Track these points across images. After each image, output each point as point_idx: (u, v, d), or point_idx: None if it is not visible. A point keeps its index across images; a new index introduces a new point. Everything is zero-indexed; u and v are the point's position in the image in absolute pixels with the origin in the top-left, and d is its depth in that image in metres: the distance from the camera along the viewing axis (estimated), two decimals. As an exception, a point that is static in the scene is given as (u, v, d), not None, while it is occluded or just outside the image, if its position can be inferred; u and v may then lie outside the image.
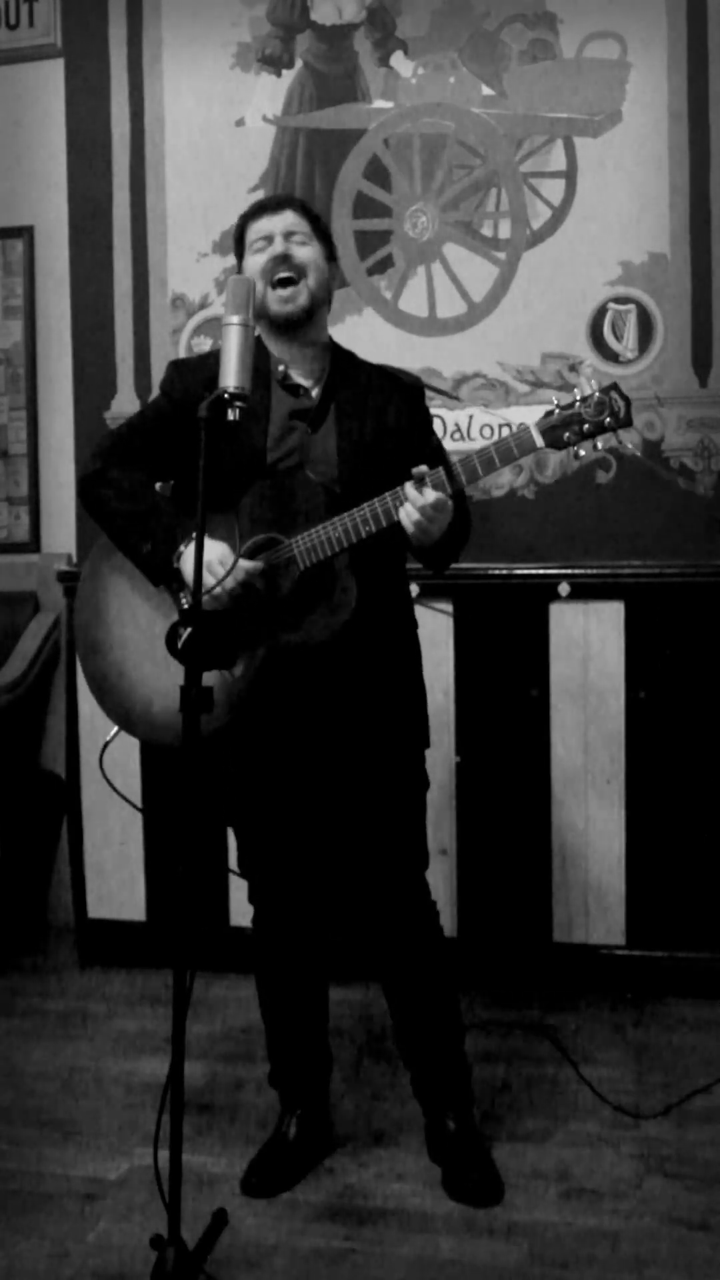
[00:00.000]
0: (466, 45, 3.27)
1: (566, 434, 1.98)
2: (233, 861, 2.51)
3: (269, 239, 2.17)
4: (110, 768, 2.45)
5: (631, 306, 3.20)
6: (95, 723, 3.32)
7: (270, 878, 2.33)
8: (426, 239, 3.33)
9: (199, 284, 3.47)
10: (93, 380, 3.53)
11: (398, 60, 3.31)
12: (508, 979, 3.19)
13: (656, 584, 3.12)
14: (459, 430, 3.29)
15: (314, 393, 2.20)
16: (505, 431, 3.23)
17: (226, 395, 1.88)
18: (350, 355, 2.28)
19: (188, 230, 3.46)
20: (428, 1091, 2.35)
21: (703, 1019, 2.99)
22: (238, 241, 2.25)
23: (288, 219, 2.18)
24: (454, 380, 3.31)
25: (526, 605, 3.18)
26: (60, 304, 3.65)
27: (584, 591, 3.15)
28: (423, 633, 2.35)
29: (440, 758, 3.06)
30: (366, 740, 2.20)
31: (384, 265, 3.36)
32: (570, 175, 3.24)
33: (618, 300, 3.21)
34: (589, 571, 3.15)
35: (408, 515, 1.99)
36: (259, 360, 2.17)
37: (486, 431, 3.28)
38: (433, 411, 2.40)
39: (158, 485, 2.25)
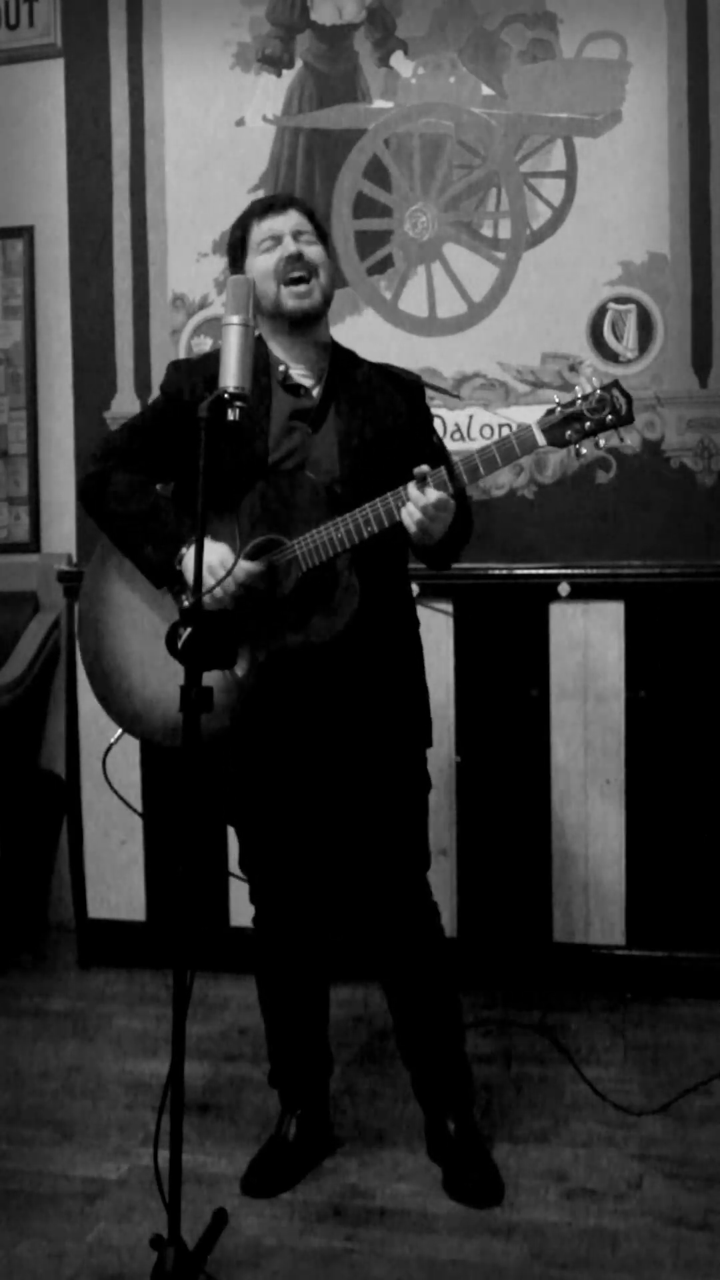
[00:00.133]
0: (466, 45, 3.27)
1: (568, 432, 1.98)
2: (233, 861, 2.52)
3: (277, 239, 2.16)
4: (111, 769, 2.45)
5: (631, 306, 3.20)
6: (95, 723, 3.33)
7: (271, 877, 2.33)
8: (426, 239, 3.33)
9: (199, 284, 3.47)
10: (93, 380, 3.53)
11: (398, 60, 3.31)
12: (508, 979, 3.19)
13: (656, 584, 3.12)
14: (459, 430, 3.29)
15: (315, 392, 2.20)
16: (506, 431, 3.24)
17: (226, 395, 1.87)
18: (351, 354, 2.28)
19: (188, 230, 3.46)
20: (428, 1092, 2.35)
21: (703, 1019, 2.99)
22: (239, 243, 2.23)
23: (294, 218, 2.18)
24: (454, 380, 3.31)
25: (526, 605, 3.18)
26: (60, 304, 3.65)
27: (584, 591, 3.15)
28: (423, 633, 2.35)
29: (440, 758, 3.05)
30: (368, 740, 2.20)
31: (384, 265, 3.36)
32: (570, 175, 3.24)
33: (618, 300, 3.21)
34: (589, 571, 3.15)
35: (410, 515, 1.99)
36: (260, 361, 2.18)
37: (486, 431, 3.29)
38: (433, 411, 2.40)
39: (158, 486, 2.25)
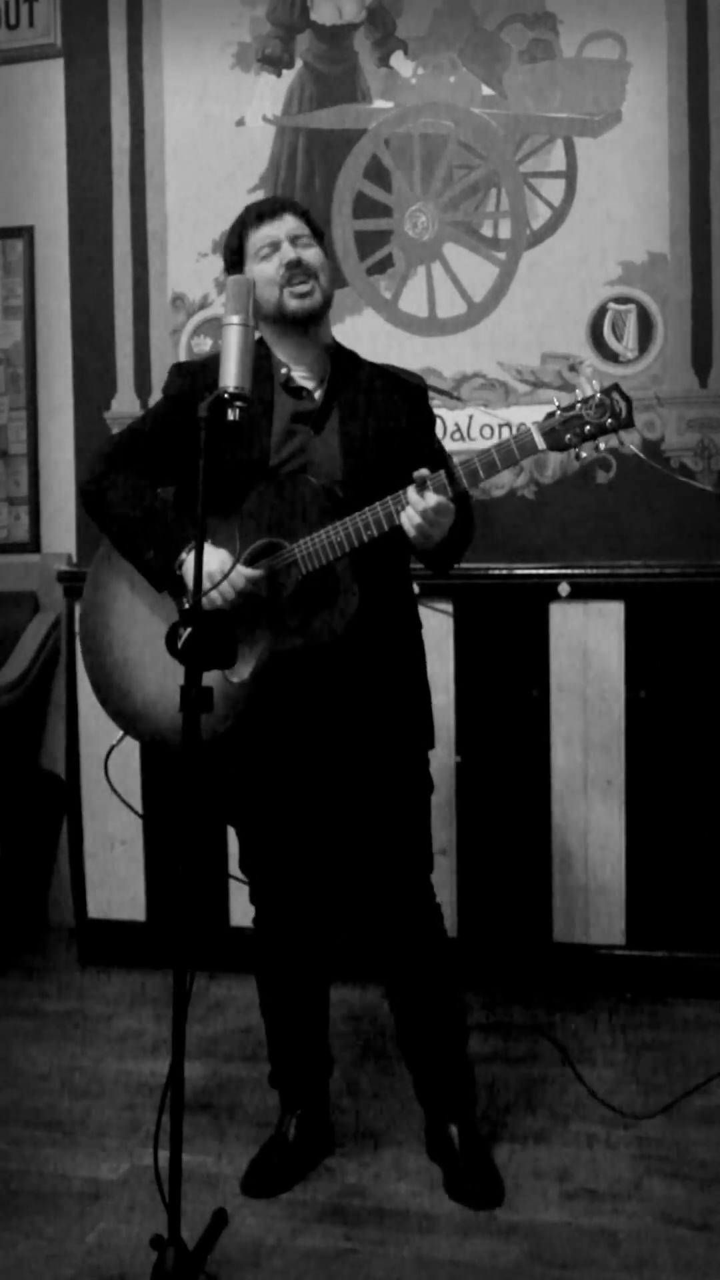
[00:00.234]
0: (466, 45, 3.27)
1: (568, 435, 1.97)
2: (233, 862, 2.52)
3: (275, 245, 2.16)
4: (111, 770, 2.45)
5: (631, 306, 3.20)
6: (96, 723, 3.33)
7: (271, 878, 2.33)
8: (426, 239, 3.33)
9: (199, 284, 3.47)
10: (93, 380, 3.53)
11: (398, 60, 3.31)
12: (508, 979, 3.19)
13: (656, 584, 3.12)
14: (459, 430, 3.29)
15: (317, 395, 2.20)
16: (505, 432, 3.24)
17: (226, 395, 1.87)
18: (353, 356, 2.28)
19: (188, 230, 3.46)
20: (430, 1093, 2.35)
21: (702, 1019, 2.99)
22: (236, 250, 2.23)
23: (289, 223, 2.18)
24: (454, 380, 3.31)
25: (526, 605, 3.18)
26: (60, 304, 3.65)
27: (584, 591, 3.15)
28: (423, 633, 2.35)
29: (440, 758, 3.05)
30: (371, 742, 2.20)
31: (384, 265, 3.36)
32: (570, 175, 3.24)
33: (618, 300, 3.21)
34: (589, 571, 3.15)
35: (410, 519, 1.99)
36: (262, 363, 2.18)
37: (486, 432, 3.29)
38: (434, 412, 2.39)
39: (159, 490, 2.25)
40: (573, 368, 3.24)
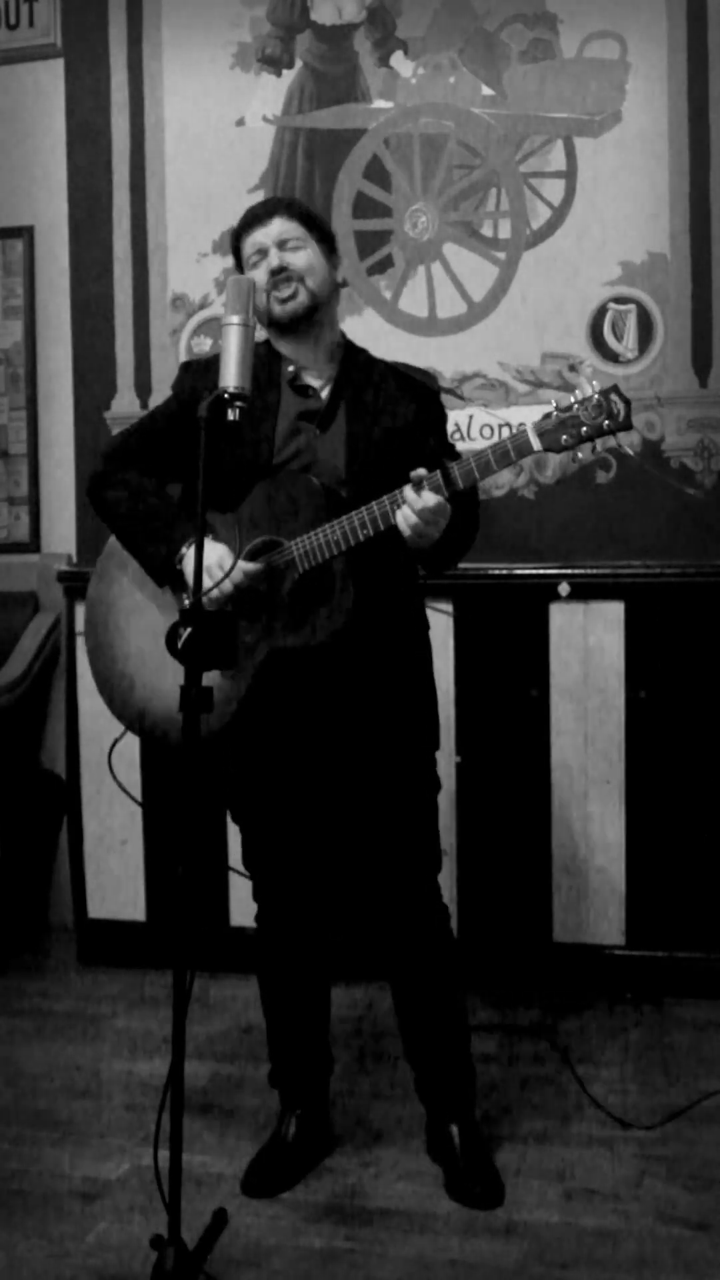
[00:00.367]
0: (466, 45, 3.27)
1: (564, 436, 1.94)
2: (233, 855, 2.51)
3: (263, 251, 2.17)
4: (113, 765, 2.45)
5: (631, 306, 3.20)
6: (96, 723, 3.33)
7: (274, 875, 2.33)
8: (426, 239, 3.33)
9: (199, 284, 3.47)
10: (93, 380, 3.53)
11: (398, 60, 3.31)
12: (508, 979, 3.19)
13: (656, 584, 3.12)
14: (459, 430, 3.29)
15: (324, 394, 2.20)
16: (505, 432, 3.24)
17: (226, 395, 1.87)
18: (364, 354, 2.28)
19: (188, 230, 3.46)
20: (432, 1093, 2.34)
21: (703, 1019, 2.99)
22: (236, 254, 2.25)
23: (277, 228, 2.17)
24: (454, 380, 3.31)
25: (526, 605, 3.18)
26: (60, 304, 3.65)
27: (584, 591, 3.15)
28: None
29: (441, 758, 3.05)
30: (377, 742, 2.19)
31: (384, 265, 3.36)
32: (570, 175, 3.24)
33: (618, 300, 3.21)
34: (589, 571, 3.15)
35: (404, 519, 1.98)
36: (271, 362, 2.19)
37: (486, 431, 3.29)
38: (445, 410, 2.37)
39: (167, 487, 2.26)
40: (573, 368, 3.24)
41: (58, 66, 3.58)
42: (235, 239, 2.24)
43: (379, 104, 3.34)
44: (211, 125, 3.43)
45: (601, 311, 3.22)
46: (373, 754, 2.20)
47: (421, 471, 1.97)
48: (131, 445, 2.27)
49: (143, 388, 3.50)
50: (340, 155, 3.36)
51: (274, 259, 2.16)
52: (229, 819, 2.61)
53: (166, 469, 2.24)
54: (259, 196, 3.33)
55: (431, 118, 3.30)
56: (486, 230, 3.30)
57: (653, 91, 3.16)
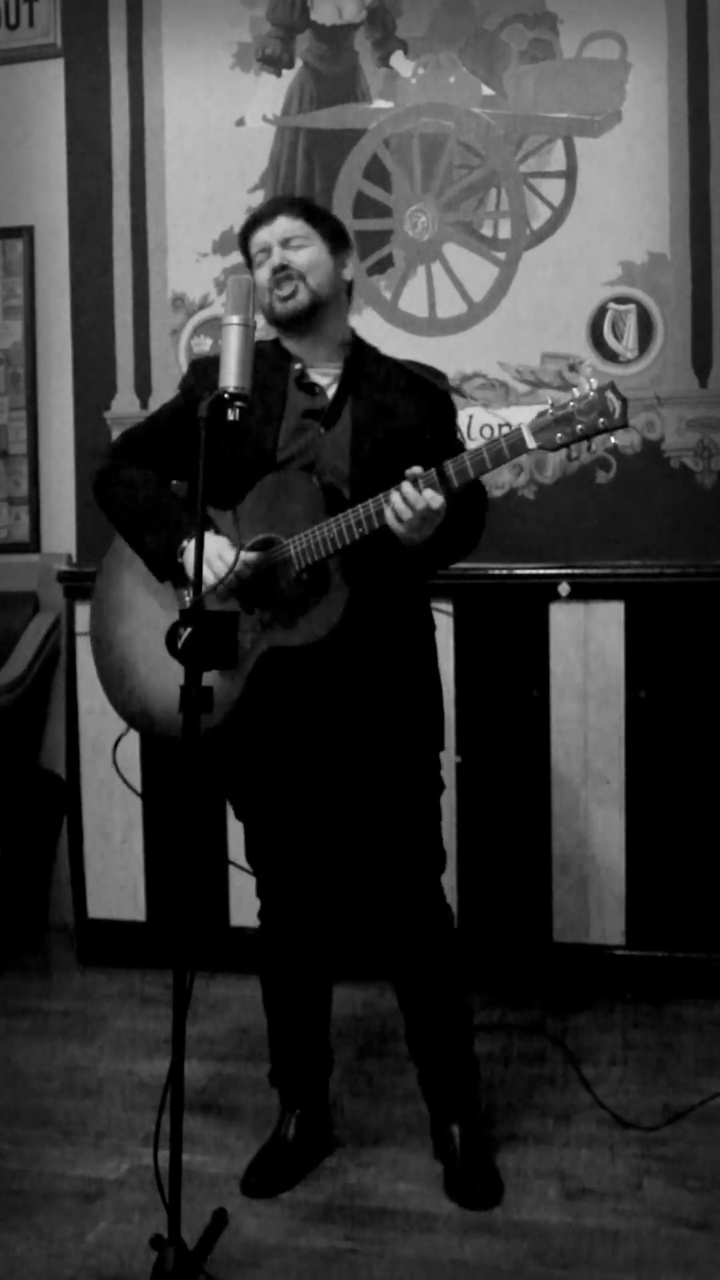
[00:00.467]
0: (466, 45, 3.27)
1: (559, 435, 1.93)
2: (233, 850, 2.51)
3: (267, 250, 2.19)
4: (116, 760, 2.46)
5: (631, 306, 3.20)
6: (96, 723, 3.33)
7: (277, 872, 2.33)
8: (426, 239, 3.33)
9: (199, 284, 3.47)
10: (93, 380, 3.53)
11: (398, 60, 3.31)
12: (508, 979, 3.19)
13: (656, 584, 3.12)
14: (459, 430, 3.28)
15: (329, 392, 2.20)
16: (504, 432, 3.23)
17: (226, 395, 1.88)
18: (373, 352, 2.27)
19: (188, 230, 3.46)
20: (434, 1093, 2.34)
21: (703, 1019, 2.99)
22: (244, 254, 2.27)
23: (280, 226, 2.18)
24: (454, 380, 3.30)
25: (526, 605, 3.18)
26: (60, 304, 3.65)
27: (584, 591, 3.15)
28: (427, 633, 2.35)
29: (443, 758, 3.05)
30: (380, 742, 2.19)
31: (384, 265, 3.36)
32: (570, 175, 3.24)
33: (618, 300, 3.21)
34: (589, 571, 3.15)
35: (395, 517, 1.98)
36: (278, 360, 2.20)
37: (486, 431, 3.29)
38: (455, 408, 2.36)
39: (174, 483, 2.27)
40: (573, 368, 3.24)
41: (58, 66, 3.58)
42: (243, 238, 2.25)
43: (379, 104, 3.34)
44: (211, 125, 3.43)
45: (601, 311, 3.22)
46: (374, 753, 2.20)
47: (416, 470, 1.97)
48: (138, 442, 2.29)
49: (143, 388, 3.50)
50: (340, 155, 3.36)
51: (276, 257, 2.17)
52: (229, 815, 2.62)
53: (171, 465, 2.25)
54: (259, 197, 3.34)
55: (431, 117, 3.30)
56: (487, 230, 3.30)
57: (653, 91, 3.16)
